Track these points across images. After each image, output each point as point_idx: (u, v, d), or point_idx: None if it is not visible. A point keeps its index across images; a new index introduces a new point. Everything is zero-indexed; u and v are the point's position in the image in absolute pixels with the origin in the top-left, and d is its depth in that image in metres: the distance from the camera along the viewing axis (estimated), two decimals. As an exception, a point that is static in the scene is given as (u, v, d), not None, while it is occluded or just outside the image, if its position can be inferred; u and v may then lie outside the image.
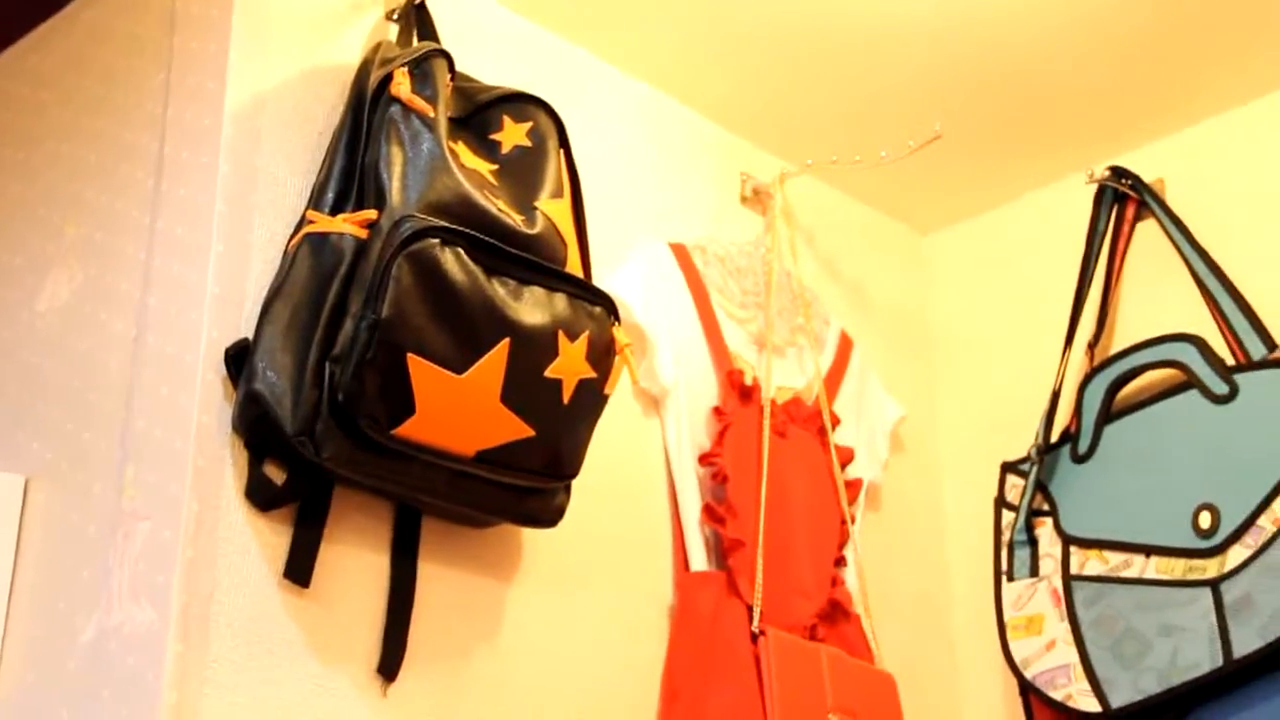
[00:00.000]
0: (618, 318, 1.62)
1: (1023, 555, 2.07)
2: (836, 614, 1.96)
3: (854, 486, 2.08)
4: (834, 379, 2.14)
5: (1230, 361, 2.00)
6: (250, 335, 1.49)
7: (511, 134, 1.67)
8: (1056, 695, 1.95)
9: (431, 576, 1.61)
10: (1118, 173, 2.21)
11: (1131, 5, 1.96)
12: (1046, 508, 2.08)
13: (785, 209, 2.21)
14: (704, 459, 1.90)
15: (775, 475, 1.95)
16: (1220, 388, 1.96)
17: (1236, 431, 1.92)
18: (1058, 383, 2.14)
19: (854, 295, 2.32)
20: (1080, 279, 2.19)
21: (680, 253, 2.01)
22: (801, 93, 2.14)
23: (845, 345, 2.18)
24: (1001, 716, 2.15)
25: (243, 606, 1.45)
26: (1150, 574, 1.94)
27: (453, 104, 1.64)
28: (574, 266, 1.63)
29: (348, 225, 1.49)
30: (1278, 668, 1.82)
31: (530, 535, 1.72)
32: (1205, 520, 1.91)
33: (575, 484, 1.64)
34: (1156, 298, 2.15)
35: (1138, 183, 2.19)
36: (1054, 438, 2.13)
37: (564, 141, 1.71)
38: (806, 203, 2.28)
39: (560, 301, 1.55)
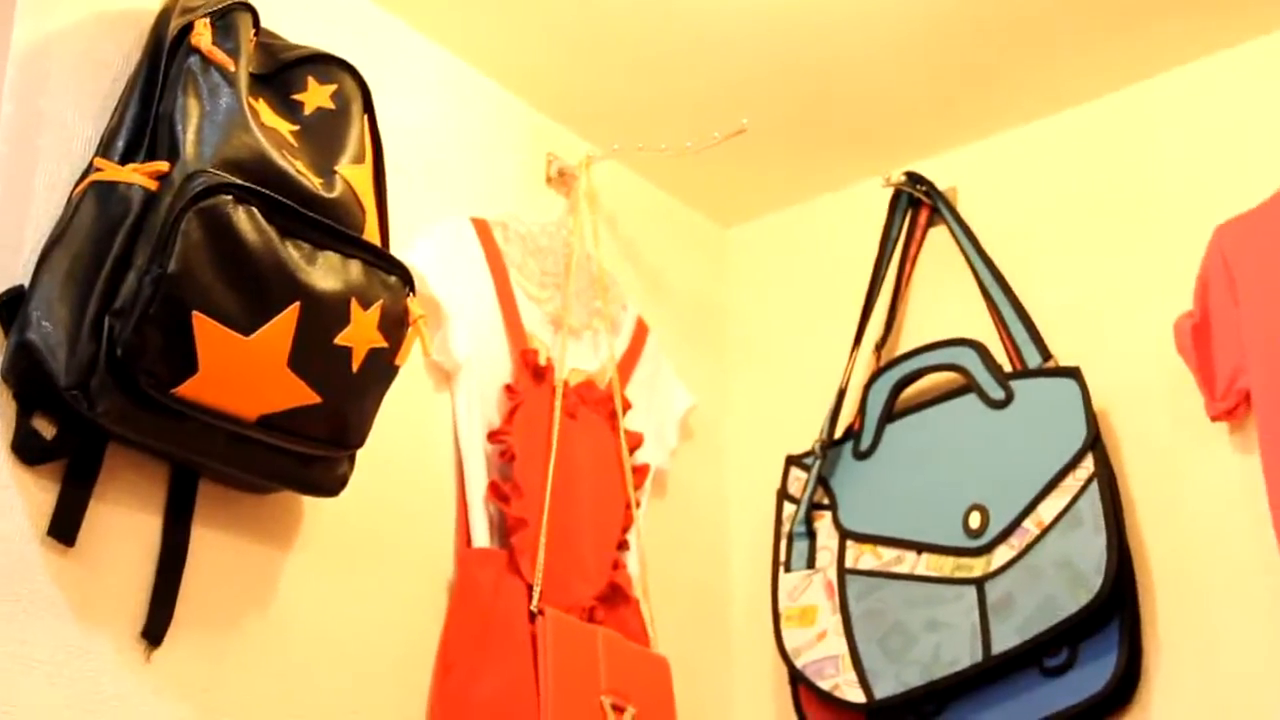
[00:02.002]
0: (413, 289, 1.60)
1: (801, 547, 2.12)
2: (616, 597, 1.97)
3: (641, 472, 2.09)
4: (628, 364, 2.15)
5: (1008, 368, 2.07)
6: (26, 283, 1.44)
7: (315, 95, 1.64)
8: (824, 685, 1.99)
9: (205, 541, 1.58)
10: (913, 178, 2.26)
11: (936, 20, 2.02)
12: (827, 502, 2.13)
13: (589, 192, 2.21)
14: (493, 436, 1.90)
15: (563, 456, 1.95)
16: (997, 393, 2.02)
17: (1009, 436, 1.99)
18: (844, 380, 2.19)
19: (652, 283, 2.33)
20: (872, 280, 2.24)
21: (481, 228, 2.00)
22: (613, 77, 2.14)
23: (641, 331, 2.20)
24: (771, 704, 2.19)
25: (1, 563, 1.39)
26: (921, 570, 1.99)
27: (255, 60, 1.60)
28: (371, 234, 1.61)
29: (137, 176, 1.45)
30: (1034, 664, 1.89)
31: (311, 504, 1.69)
32: (975, 520, 1.97)
33: (360, 454, 1.62)
34: (943, 302, 2.22)
35: (932, 189, 2.25)
36: (838, 434, 2.17)
37: (369, 107, 1.68)
38: (611, 187, 2.28)
39: (355, 268, 1.53)
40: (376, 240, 1.61)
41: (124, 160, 1.48)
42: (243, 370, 1.42)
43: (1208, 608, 1.86)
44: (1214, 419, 1.88)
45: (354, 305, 1.51)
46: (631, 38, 2.06)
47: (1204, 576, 1.88)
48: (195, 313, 1.38)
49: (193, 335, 1.38)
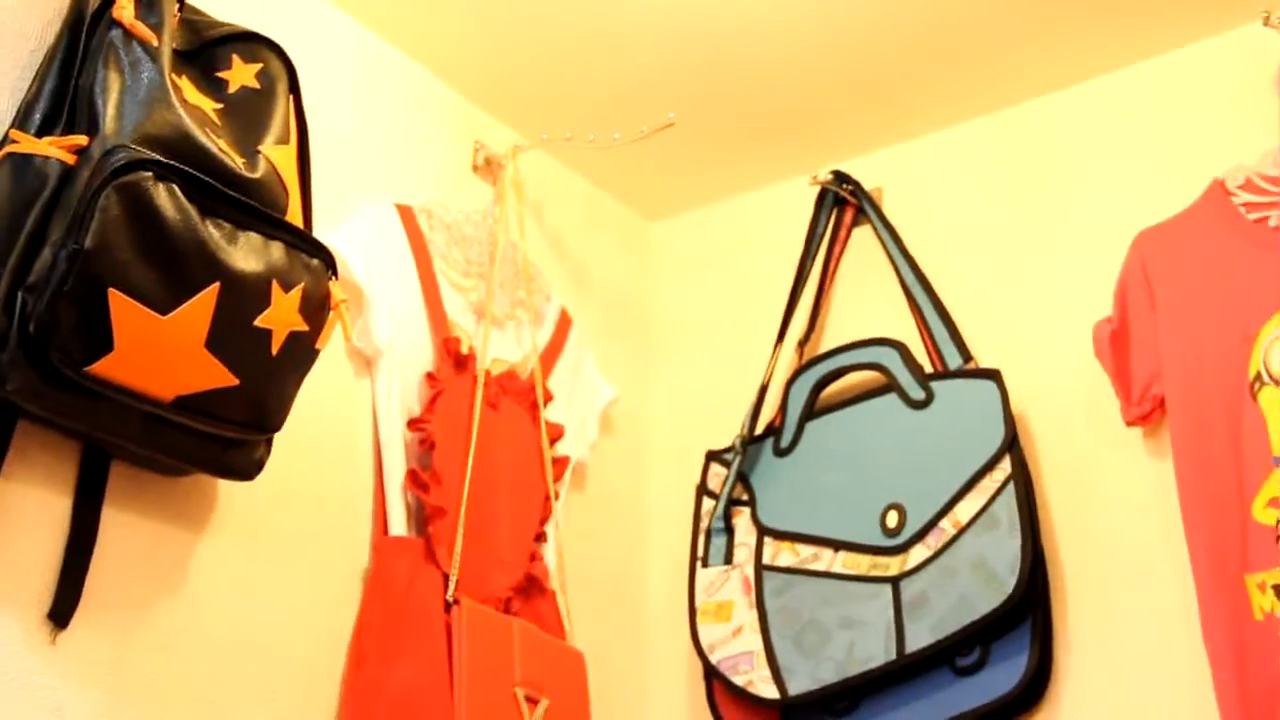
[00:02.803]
0: (335, 272, 1.59)
1: (719, 543, 2.12)
2: (532, 589, 1.96)
3: (561, 464, 2.08)
4: (550, 355, 2.14)
5: (929, 369, 2.08)
6: (-63, 255, 1.41)
7: (240, 74, 1.62)
8: (739, 680, 1.99)
9: (116, 523, 1.55)
10: (839, 177, 2.27)
11: (866, 20, 2.03)
12: (746, 498, 2.13)
13: (516, 181, 2.20)
14: (413, 424, 1.88)
15: (483, 446, 1.94)
16: (917, 393, 2.04)
17: (928, 436, 2.00)
18: (766, 377, 2.19)
19: (577, 274, 2.33)
20: (796, 277, 2.24)
21: (406, 215, 1.98)
22: (542, 68, 2.13)
23: (564, 323, 2.19)
24: (685, 699, 2.19)
25: (-95, 541, 1.37)
26: (837, 568, 2.00)
27: (179, 36, 1.58)
28: (294, 216, 1.59)
29: (54, 149, 1.42)
30: (946, 663, 1.90)
31: (226, 487, 1.67)
32: (892, 519, 1.98)
33: (277, 438, 1.60)
34: (866, 302, 2.23)
35: (858, 189, 2.26)
36: (759, 430, 2.18)
37: (294, 88, 1.66)
38: (538, 178, 2.27)
39: (277, 250, 1.51)
40: (299, 222, 1.60)
41: (41, 132, 1.45)
42: (159, 350, 1.40)
43: (1118, 610, 1.88)
44: (1129, 424, 1.91)
45: (275, 287, 1.49)
46: (562, 28, 2.05)
47: (1115, 579, 1.90)
48: (111, 290, 1.36)
49: (108, 313, 1.36)
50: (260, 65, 1.64)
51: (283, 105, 1.64)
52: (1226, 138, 1.97)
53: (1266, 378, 1.79)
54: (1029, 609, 1.87)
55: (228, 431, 1.51)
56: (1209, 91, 2.03)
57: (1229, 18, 2.01)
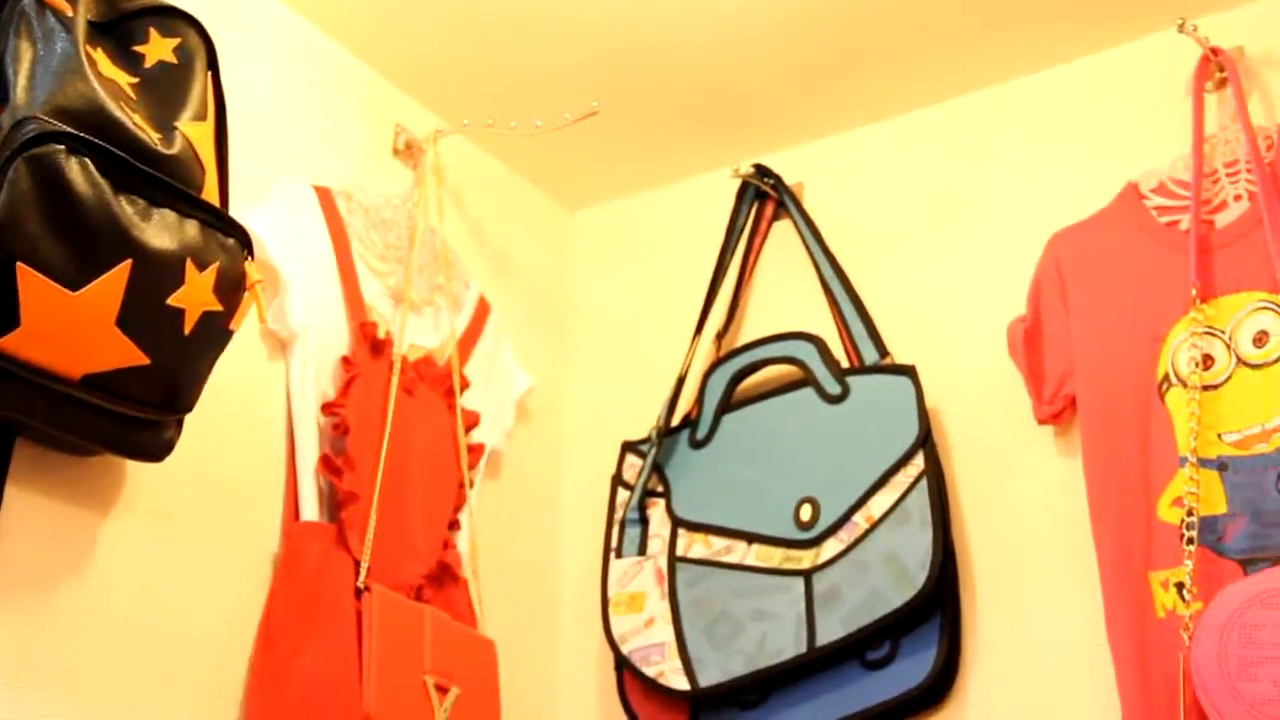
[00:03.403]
0: (252, 253, 1.56)
1: (633, 534, 2.12)
2: (445, 577, 1.95)
3: (476, 451, 2.07)
4: (468, 342, 2.13)
5: (845, 364, 2.09)
6: None
7: (157, 48, 1.59)
8: (649, 672, 1.99)
9: (20, 502, 1.52)
10: (761, 171, 2.28)
11: (792, 14, 2.03)
12: (661, 489, 2.13)
13: (437, 166, 2.19)
14: (327, 408, 1.86)
15: (398, 432, 1.92)
16: (833, 388, 2.05)
17: (843, 431, 2.01)
18: (684, 369, 2.19)
19: (497, 262, 2.31)
20: (715, 270, 2.25)
21: (324, 197, 1.96)
22: (466, 52, 2.12)
23: (482, 310, 2.18)
24: (596, 690, 2.18)
25: None
26: (750, 561, 2.01)
27: (94, 7, 1.55)
28: (210, 194, 1.57)
29: (-38, 119, 1.39)
30: (856, 657, 1.91)
31: (134, 468, 1.64)
32: (806, 513, 1.99)
33: (188, 420, 1.57)
34: (785, 296, 2.23)
35: (779, 183, 2.27)
36: (675, 422, 2.18)
37: (213, 64, 1.64)
38: (459, 163, 2.26)
39: (192, 228, 1.49)
40: (215, 201, 1.57)
41: (-51, 102, 1.42)
42: (68, 327, 1.37)
43: (1025, 606, 1.91)
44: (1041, 422, 1.93)
45: (189, 266, 1.47)
46: (487, 12, 2.04)
47: (1024, 576, 1.92)
48: (19, 264, 1.33)
49: (16, 288, 1.33)
50: (178, 40, 1.61)
51: (200, 81, 1.61)
52: (1141, 142, 2.00)
53: (1174, 379, 1.82)
54: (939, 604, 1.89)
55: (137, 411, 1.48)
56: (1125, 96, 2.05)
57: (1146, 23, 2.03)
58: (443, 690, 1.81)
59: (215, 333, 1.52)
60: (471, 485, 2.04)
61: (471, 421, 2.07)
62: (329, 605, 1.76)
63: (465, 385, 2.08)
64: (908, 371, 2.00)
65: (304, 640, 1.72)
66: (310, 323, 1.87)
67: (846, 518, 1.95)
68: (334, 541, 1.80)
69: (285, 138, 1.97)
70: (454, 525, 2.00)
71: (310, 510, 1.81)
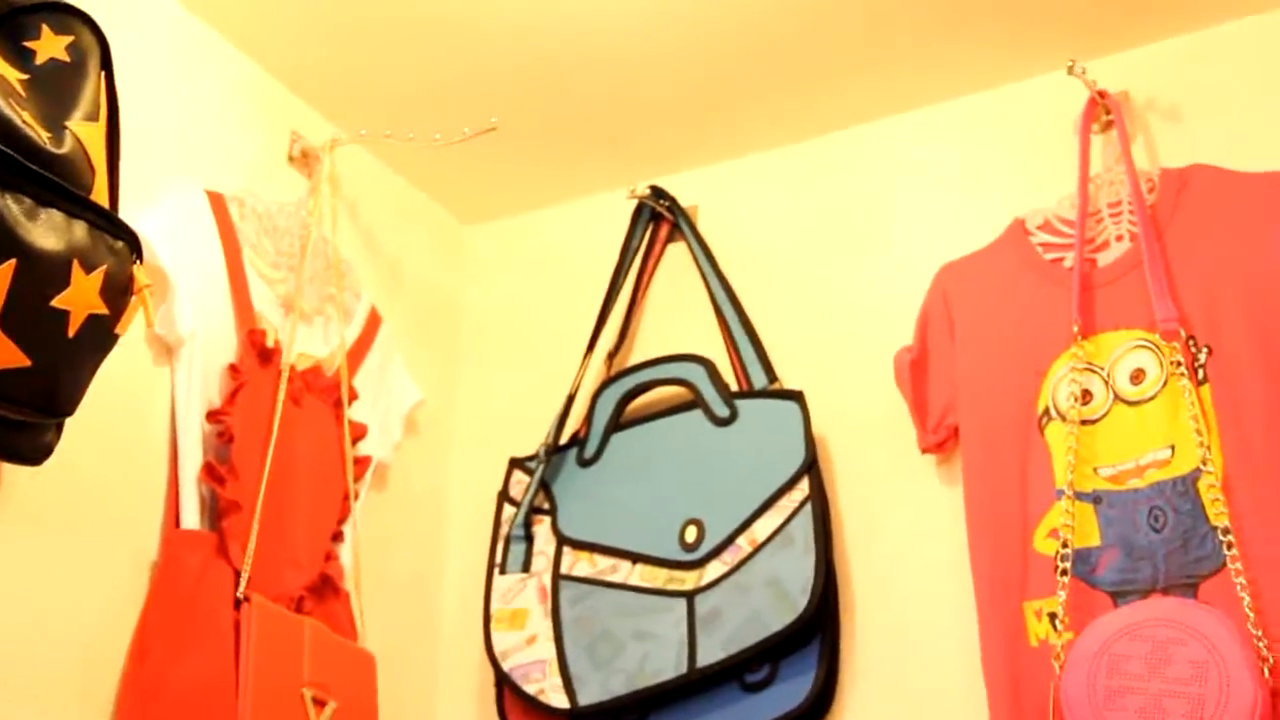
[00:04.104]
0: (140, 256, 1.54)
1: (517, 550, 2.11)
2: (326, 589, 1.93)
3: (362, 463, 2.06)
4: (357, 353, 2.12)
5: (735, 387, 2.11)
6: None
7: (49, 45, 1.56)
8: (530, 689, 1.99)
9: (-110, 503, 1.48)
10: (657, 193, 2.29)
11: (692, 39, 2.05)
12: (547, 506, 2.13)
13: (332, 175, 2.17)
14: (212, 416, 1.84)
15: (284, 442, 1.90)
16: (722, 410, 2.06)
17: (731, 454, 2.03)
18: (574, 387, 2.20)
19: (389, 273, 2.30)
20: (609, 289, 2.26)
21: (217, 202, 1.94)
22: (365, 61, 2.11)
23: (373, 321, 2.16)
24: (475, 706, 2.18)
25: None
26: (634, 580, 2.01)
27: (-16, 1, 1.52)
28: (100, 196, 1.54)
29: None
30: (736, 679, 1.92)
31: (10, 471, 1.61)
32: (691, 534, 2.00)
33: (68, 423, 1.54)
34: (677, 317, 2.25)
35: (674, 205, 2.29)
36: (564, 440, 2.18)
37: (107, 64, 1.61)
38: (354, 173, 2.25)
39: (80, 229, 1.46)
40: (105, 203, 1.54)
41: None
42: (-53, 325, 1.34)
43: (903, 632, 1.93)
44: (924, 451, 1.96)
45: (76, 267, 1.44)
46: (387, 22, 2.03)
47: (902, 602, 1.95)
48: (-101, 261, 1.30)
49: (-106, 285, 1.30)
50: (71, 38, 1.58)
51: (93, 81, 1.58)
52: (1029, 179, 2.05)
53: (1054, 413, 1.86)
54: (819, 628, 1.91)
55: (16, 414, 1.45)
56: (1015, 133, 2.10)
57: (1038, 64, 2.08)
58: (320, 703, 1.79)
59: (100, 336, 1.49)
60: (357, 497, 2.03)
61: (359, 433, 2.06)
62: (207, 615, 1.73)
63: (354, 397, 2.06)
64: (796, 397, 2.02)
65: (180, 650, 1.70)
66: (198, 329, 1.85)
67: (730, 540, 1.97)
68: (214, 550, 1.78)
69: (179, 141, 1.95)
70: (337, 537, 1.98)
71: (191, 518, 1.79)
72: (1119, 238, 1.92)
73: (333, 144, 2.17)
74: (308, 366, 2.01)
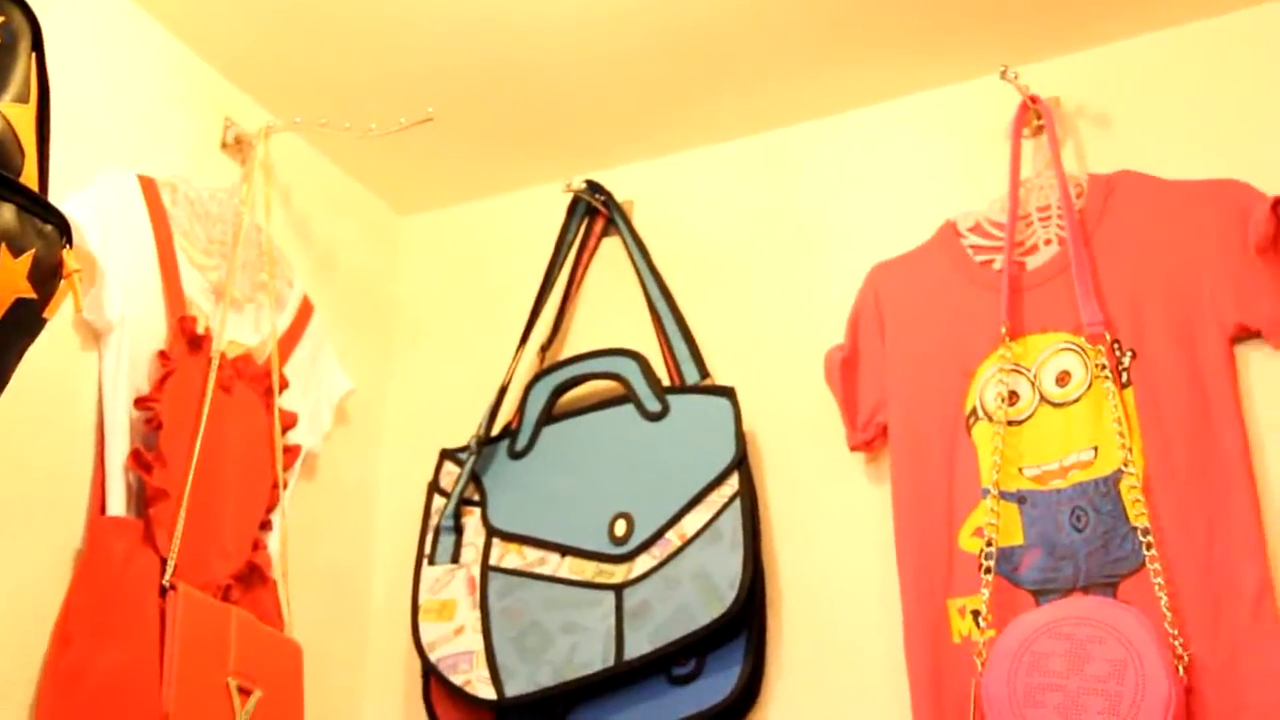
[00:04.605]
0: (70, 240, 1.52)
1: (447, 541, 2.11)
2: (253, 577, 1.92)
3: (292, 452, 2.05)
4: (289, 342, 2.11)
5: (667, 382, 2.12)
6: None
7: (-21, 26, 1.55)
8: (457, 680, 1.99)
9: None
10: (593, 187, 2.30)
11: (632, 34, 2.05)
12: (477, 498, 2.13)
13: (266, 163, 2.16)
14: (140, 402, 1.82)
15: (213, 430, 1.89)
16: (654, 405, 2.07)
17: (662, 449, 2.04)
18: (507, 379, 2.20)
19: (322, 262, 2.29)
20: (543, 282, 2.26)
21: (148, 187, 1.93)
22: (302, 48, 2.10)
23: (305, 310, 2.15)
24: (403, 697, 2.17)
25: None
26: (563, 573, 2.02)
27: (-87, -18, 1.50)
28: (29, 179, 1.52)
29: None
30: (662, 672, 1.93)
31: (-67, 456, 1.60)
32: (620, 528, 2.01)
33: (-7, 408, 1.53)
34: (611, 312, 2.25)
35: (610, 200, 2.29)
36: (495, 432, 2.18)
37: (38, 46, 1.59)
38: (289, 161, 2.24)
39: (8, 212, 1.44)
40: (34, 186, 1.53)
41: None
42: None
43: (830, 628, 1.95)
44: (853, 449, 1.98)
45: (3, 251, 1.42)
46: (323, 10, 2.02)
47: (829, 598, 1.96)
48: None
49: None
50: (3, 19, 1.56)
51: (24, 63, 1.56)
52: (961, 181, 2.07)
53: (981, 413, 1.88)
54: (746, 623, 1.92)
55: (-60, 397, 1.44)
56: (948, 135, 2.12)
57: (972, 67, 2.10)
58: (245, 693, 1.79)
59: (28, 320, 1.48)
60: (285, 486, 2.02)
61: (289, 422, 2.05)
62: (132, 603, 1.72)
63: (284, 385, 2.05)
64: (727, 393, 2.03)
65: (104, 638, 1.68)
66: (127, 314, 1.83)
67: (660, 534, 1.98)
68: (140, 538, 1.77)
69: (111, 125, 1.93)
70: (265, 526, 1.97)
71: (117, 505, 1.77)
72: (1048, 241, 1.95)
73: (267, 131, 2.15)
74: (238, 354, 1.99)
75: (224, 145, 2.12)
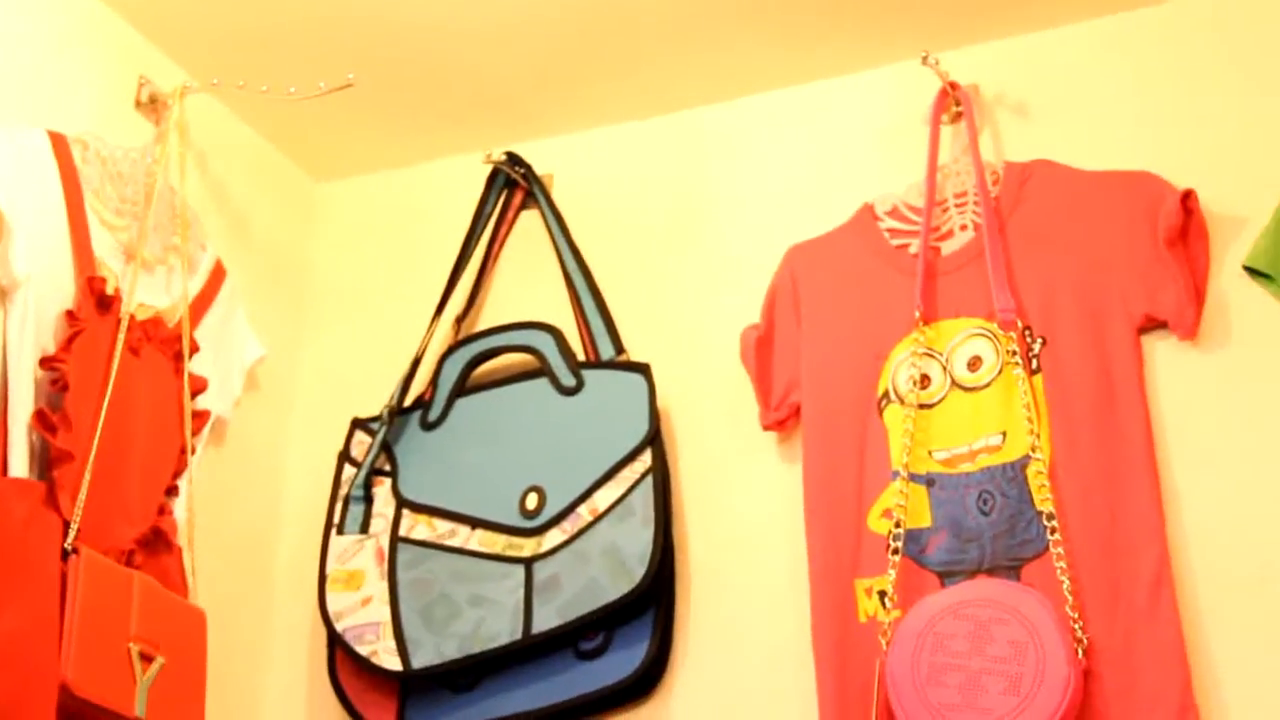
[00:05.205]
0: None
1: (356, 511, 2.10)
2: (158, 543, 1.90)
3: (201, 418, 2.03)
4: (200, 306, 2.08)
5: (582, 357, 2.12)
6: None
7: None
8: (363, 650, 1.98)
9: None
10: (513, 159, 2.29)
11: (555, 7, 2.05)
12: (388, 468, 2.12)
13: (181, 123, 2.12)
14: (46, 363, 1.79)
15: (120, 393, 1.86)
16: (569, 380, 2.07)
17: (575, 423, 2.04)
18: (421, 350, 2.19)
19: (236, 227, 2.26)
20: (460, 254, 2.25)
21: (59, 144, 1.89)
22: (221, 8, 2.07)
23: (218, 274, 2.13)
24: (307, 667, 2.15)
25: None
26: (473, 545, 2.01)
27: None
28: (-65, 131, 1.49)
29: None
30: (570, 647, 1.94)
31: None
32: (532, 501, 2.01)
33: (-109, 364, 1.50)
34: (528, 285, 2.25)
35: (530, 172, 2.28)
36: (408, 402, 2.17)
37: (-53, -5, 1.56)
38: (205, 122, 2.20)
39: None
40: (-60, 138, 1.50)
41: None
42: None
43: (738, 606, 1.96)
44: (766, 428, 1.99)
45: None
46: (246, -29, 2.00)
47: (738, 576, 1.97)
48: None
49: None
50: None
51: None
52: (880, 164, 2.08)
53: (893, 395, 1.90)
54: (654, 599, 1.93)
55: None
56: (868, 119, 2.13)
57: (893, 52, 2.12)
58: (147, 659, 1.76)
59: (-70, 275, 1.45)
60: (194, 452, 1.99)
61: (198, 387, 2.03)
62: (33, 566, 1.69)
63: (195, 349, 2.03)
64: (642, 370, 2.03)
65: (3, 600, 1.65)
66: (34, 272, 1.80)
67: (571, 509, 1.98)
68: (42, 500, 1.73)
69: (19, 79, 1.89)
70: (172, 491, 1.95)
71: (20, 467, 1.74)
72: (963, 227, 1.97)
73: (183, 91, 2.12)
74: (148, 317, 1.97)
75: (138, 104, 2.09)
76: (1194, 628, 1.70)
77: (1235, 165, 1.89)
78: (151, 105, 2.10)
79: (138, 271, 1.96)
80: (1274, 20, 1.95)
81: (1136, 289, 1.82)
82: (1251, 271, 1.82)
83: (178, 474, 1.96)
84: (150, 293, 1.99)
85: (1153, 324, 1.82)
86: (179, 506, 1.96)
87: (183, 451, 1.97)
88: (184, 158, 2.12)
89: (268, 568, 2.23)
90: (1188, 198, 1.82)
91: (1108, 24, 2.04)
